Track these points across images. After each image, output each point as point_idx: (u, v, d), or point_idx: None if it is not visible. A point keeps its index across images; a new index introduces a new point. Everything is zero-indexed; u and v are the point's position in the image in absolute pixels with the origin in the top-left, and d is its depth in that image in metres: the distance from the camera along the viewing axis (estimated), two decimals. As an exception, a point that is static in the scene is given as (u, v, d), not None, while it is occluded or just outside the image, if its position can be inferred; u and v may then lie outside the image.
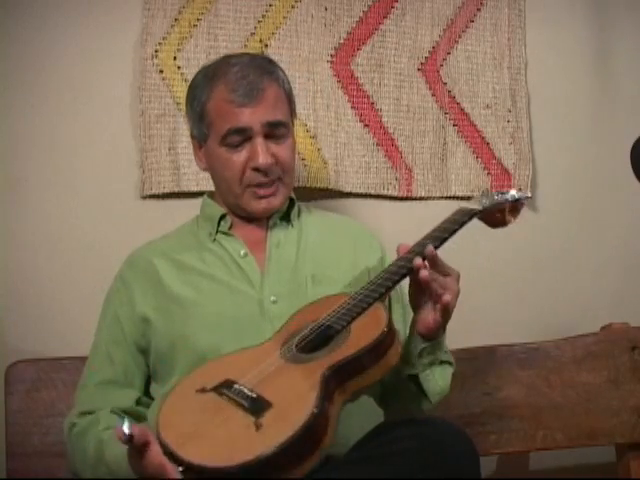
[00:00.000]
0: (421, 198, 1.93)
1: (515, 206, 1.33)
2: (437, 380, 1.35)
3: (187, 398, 1.19)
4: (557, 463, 1.92)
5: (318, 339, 1.21)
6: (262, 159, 1.41)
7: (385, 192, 1.91)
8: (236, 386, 1.16)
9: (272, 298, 1.39)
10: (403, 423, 1.19)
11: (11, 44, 1.76)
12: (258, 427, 1.08)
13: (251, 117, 1.41)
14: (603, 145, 2.01)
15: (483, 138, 1.96)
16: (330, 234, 1.53)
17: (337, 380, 1.15)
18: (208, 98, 1.43)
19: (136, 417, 1.39)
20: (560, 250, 1.99)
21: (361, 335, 1.19)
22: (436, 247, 1.25)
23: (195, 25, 1.82)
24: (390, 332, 1.21)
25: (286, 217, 1.51)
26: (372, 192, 1.90)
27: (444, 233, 1.27)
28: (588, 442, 1.75)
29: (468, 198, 1.93)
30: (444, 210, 1.90)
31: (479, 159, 1.96)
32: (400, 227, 1.87)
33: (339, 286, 1.42)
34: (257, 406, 1.11)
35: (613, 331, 1.79)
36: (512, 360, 1.76)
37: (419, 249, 1.26)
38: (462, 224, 1.29)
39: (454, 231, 1.28)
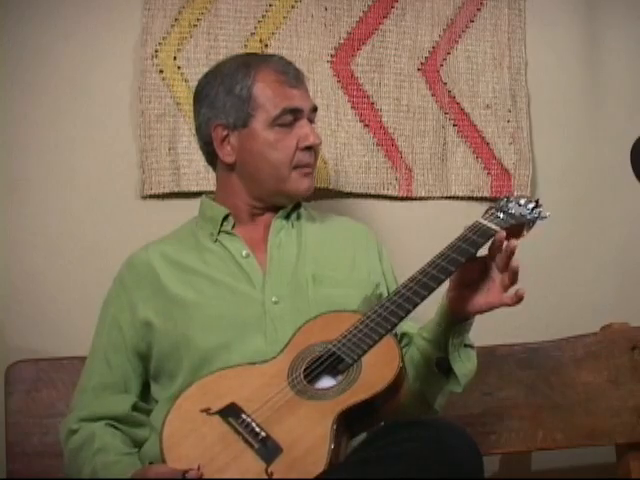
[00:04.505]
0: (421, 198, 1.93)
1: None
2: (464, 361, 1.36)
3: (192, 419, 1.17)
4: (557, 463, 1.92)
5: (327, 370, 1.21)
6: (315, 138, 1.46)
7: (385, 192, 1.91)
8: (244, 416, 1.16)
9: (274, 299, 1.39)
10: (405, 425, 1.18)
11: (11, 44, 1.76)
12: (270, 476, 1.08)
13: (301, 99, 1.47)
14: (603, 145, 2.01)
15: (483, 138, 1.96)
16: (329, 234, 1.54)
17: (348, 422, 1.16)
18: (255, 80, 1.44)
19: (132, 423, 1.39)
20: (560, 250, 1.99)
21: (375, 374, 1.19)
22: (453, 272, 1.25)
23: (195, 25, 1.82)
24: (403, 368, 1.21)
25: (286, 217, 1.51)
26: (372, 192, 1.90)
27: (461, 256, 1.26)
28: (588, 442, 1.75)
29: (468, 198, 1.94)
30: (444, 210, 1.93)
31: (479, 159, 1.96)
32: (400, 227, 1.88)
33: (340, 286, 1.43)
34: (268, 450, 1.11)
35: (613, 331, 1.79)
36: (512, 360, 1.76)
37: (433, 270, 1.25)
38: (480, 246, 1.29)
39: (471, 254, 1.27)
